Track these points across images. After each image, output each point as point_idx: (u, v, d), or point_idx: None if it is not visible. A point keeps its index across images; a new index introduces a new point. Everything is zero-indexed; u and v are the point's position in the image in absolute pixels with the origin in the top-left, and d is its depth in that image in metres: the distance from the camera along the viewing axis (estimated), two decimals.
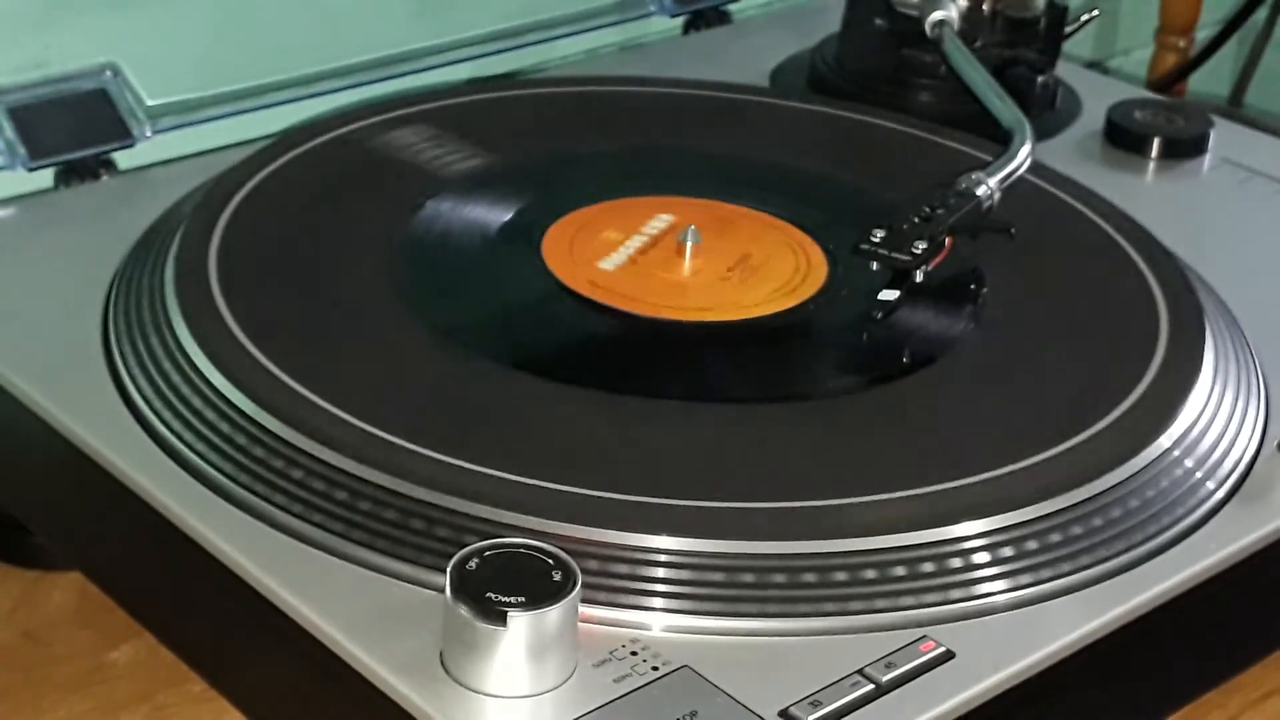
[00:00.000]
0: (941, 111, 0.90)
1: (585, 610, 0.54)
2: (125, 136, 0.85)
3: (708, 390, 0.67)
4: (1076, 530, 0.60)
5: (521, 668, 0.53)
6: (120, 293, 0.71)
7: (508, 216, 0.77)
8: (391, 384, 0.65)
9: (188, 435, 0.63)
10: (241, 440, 0.62)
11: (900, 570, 0.58)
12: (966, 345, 0.70)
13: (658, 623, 0.57)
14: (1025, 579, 0.59)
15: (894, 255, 0.71)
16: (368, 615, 0.56)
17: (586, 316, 0.70)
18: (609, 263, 0.73)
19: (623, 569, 0.57)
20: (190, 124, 0.88)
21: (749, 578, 0.57)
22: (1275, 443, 0.66)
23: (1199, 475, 0.64)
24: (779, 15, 1.08)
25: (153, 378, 0.66)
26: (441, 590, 0.53)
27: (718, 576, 0.57)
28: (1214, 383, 0.68)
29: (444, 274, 0.73)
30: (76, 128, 0.84)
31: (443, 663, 0.54)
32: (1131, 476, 0.63)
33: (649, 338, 0.70)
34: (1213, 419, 0.66)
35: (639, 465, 0.61)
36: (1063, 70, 0.95)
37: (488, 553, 0.54)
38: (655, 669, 0.55)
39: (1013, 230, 0.75)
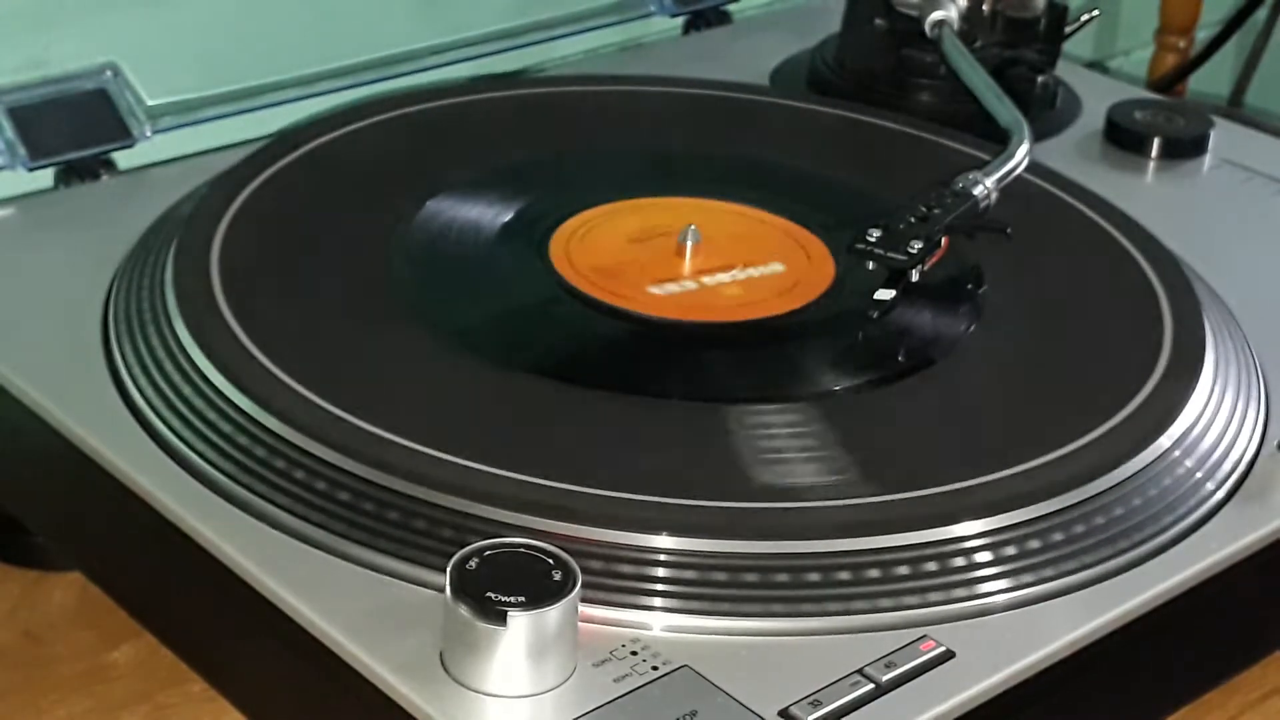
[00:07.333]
0: (941, 111, 0.90)
1: (585, 610, 0.54)
2: (125, 136, 0.85)
3: (708, 390, 0.67)
4: (1076, 530, 0.60)
5: (521, 668, 0.53)
6: (120, 293, 0.71)
7: (508, 217, 0.77)
8: (392, 383, 0.65)
9: (188, 435, 0.63)
10: (241, 440, 0.62)
11: (901, 570, 0.58)
12: (967, 345, 0.70)
13: (658, 622, 0.57)
14: (1025, 579, 0.59)
15: (889, 255, 0.71)
16: (368, 615, 0.56)
17: (587, 316, 0.70)
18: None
19: (623, 569, 0.57)
20: (190, 124, 0.88)
21: (749, 577, 0.57)
22: (1275, 443, 0.66)
23: (1199, 475, 0.64)
24: (779, 15, 1.08)
25: (153, 378, 0.66)
26: (441, 590, 0.53)
27: (717, 576, 0.57)
28: (1214, 383, 0.68)
29: (445, 274, 0.73)
30: (76, 128, 0.84)
31: (443, 663, 0.54)
32: (1131, 477, 0.63)
33: (650, 338, 0.70)
34: (1213, 419, 0.66)
35: (639, 465, 0.61)
36: (1063, 70, 0.95)
37: (488, 553, 0.54)
38: (655, 669, 0.55)
39: (1009, 230, 0.75)
